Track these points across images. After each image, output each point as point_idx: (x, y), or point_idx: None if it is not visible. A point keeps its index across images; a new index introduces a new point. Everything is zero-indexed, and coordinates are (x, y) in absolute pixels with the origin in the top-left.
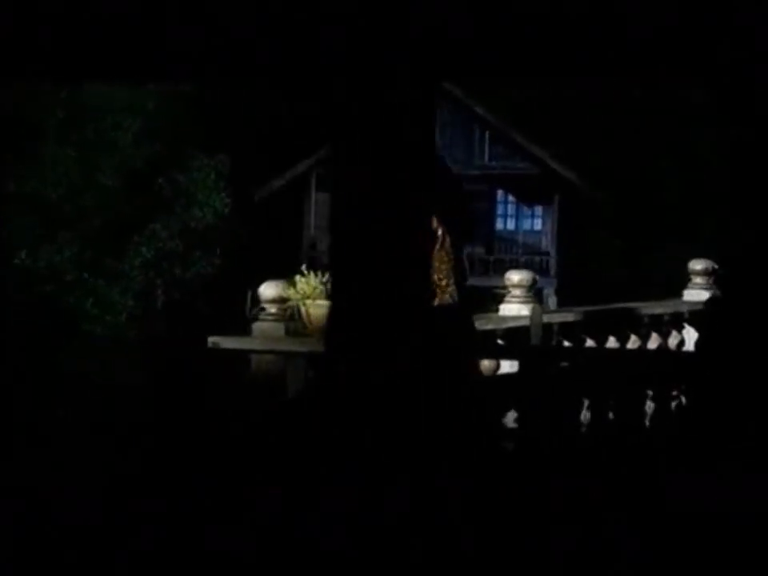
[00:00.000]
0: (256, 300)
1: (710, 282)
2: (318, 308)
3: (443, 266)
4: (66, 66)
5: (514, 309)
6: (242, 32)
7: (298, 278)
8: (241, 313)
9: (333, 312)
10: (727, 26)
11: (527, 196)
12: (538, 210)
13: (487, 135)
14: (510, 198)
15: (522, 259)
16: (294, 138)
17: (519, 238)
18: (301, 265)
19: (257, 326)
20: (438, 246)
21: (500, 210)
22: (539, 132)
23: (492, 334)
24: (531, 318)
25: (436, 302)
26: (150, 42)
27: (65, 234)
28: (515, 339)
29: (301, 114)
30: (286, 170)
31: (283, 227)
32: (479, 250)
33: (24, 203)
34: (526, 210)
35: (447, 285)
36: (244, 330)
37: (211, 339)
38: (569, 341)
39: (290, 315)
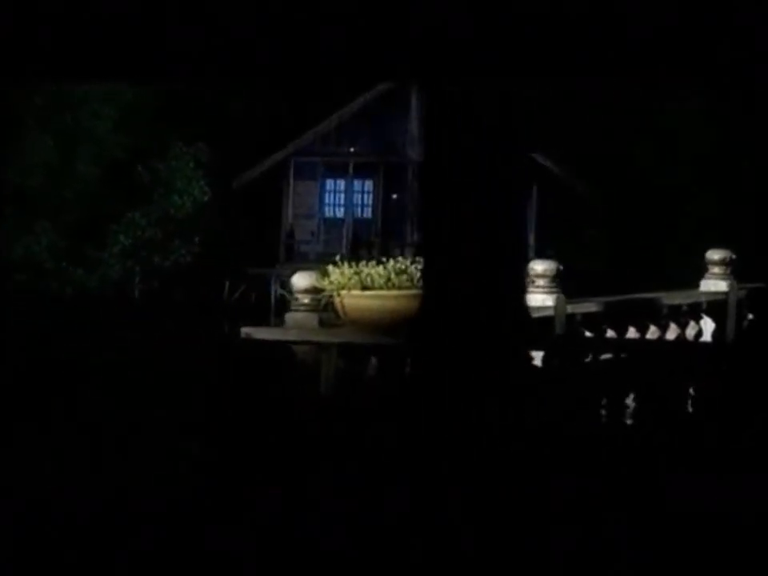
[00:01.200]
0: (233, 288)
1: (728, 271)
2: (352, 298)
3: None
4: (64, 66)
5: (539, 299)
6: (242, 32)
7: (331, 268)
8: (218, 301)
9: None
10: (727, 26)
11: None
12: None
13: None
14: None
15: None
16: (273, 125)
17: None
18: (278, 253)
19: (290, 317)
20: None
21: None
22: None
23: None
24: (556, 308)
25: None
26: (150, 41)
27: (43, 222)
28: (541, 329)
29: (280, 102)
30: (265, 159)
31: (261, 215)
32: None
33: (2, 191)
34: None
35: None
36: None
37: (244, 330)
38: (590, 331)
39: (323, 306)
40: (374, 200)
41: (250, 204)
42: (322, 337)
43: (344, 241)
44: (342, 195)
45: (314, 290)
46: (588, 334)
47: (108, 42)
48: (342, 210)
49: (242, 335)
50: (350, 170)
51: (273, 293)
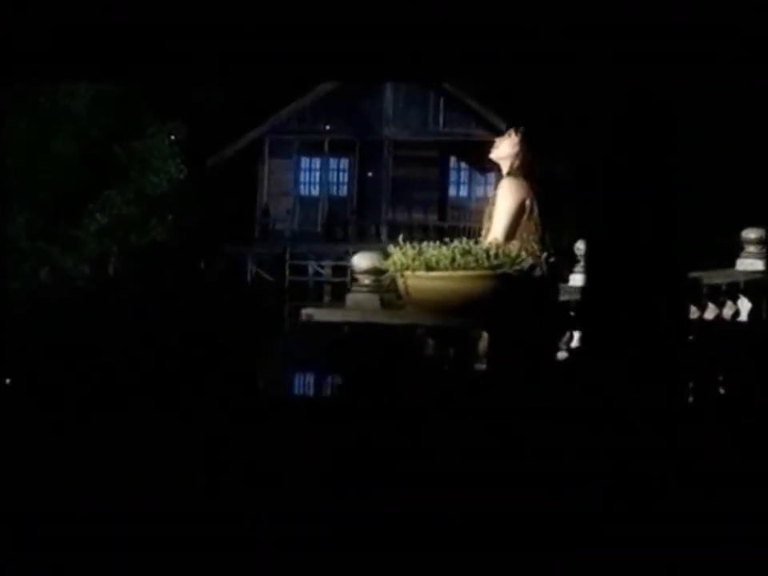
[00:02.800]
0: (209, 267)
1: (764, 250)
2: (417, 279)
3: (531, 237)
4: (62, 65)
5: (581, 279)
6: (237, 31)
7: (392, 248)
8: (196, 279)
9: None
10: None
11: (481, 163)
12: (491, 176)
13: (442, 101)
14: (463, 164)
15: (477, 226)
16: (249, 103)
17: (472, 205)
18: (253, 231)
19: (351, 297)
20: (525, 217)
21: (453, 176)
22: (497, 101)
23: (566, 306)
24: None
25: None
26: (149, 41)
27: (18, 201)
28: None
29: (256, 80)
30: (240, 137)
31: (237, 194)
32: (432, 217)
33: None
34: (479, 176)
35: (537, 256)
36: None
37: (305, 311)
38: None
39: (385, 287)
40: (349, 178)
41: (225, 182)
42: (386, 318)
43: (319, 219)
44: (318, 173)
45: (375, 271)
46: None
47: (105, 42)
48: (318, 188)
49: (303, 317)
50: (326, 148)
51: (249, 271)
